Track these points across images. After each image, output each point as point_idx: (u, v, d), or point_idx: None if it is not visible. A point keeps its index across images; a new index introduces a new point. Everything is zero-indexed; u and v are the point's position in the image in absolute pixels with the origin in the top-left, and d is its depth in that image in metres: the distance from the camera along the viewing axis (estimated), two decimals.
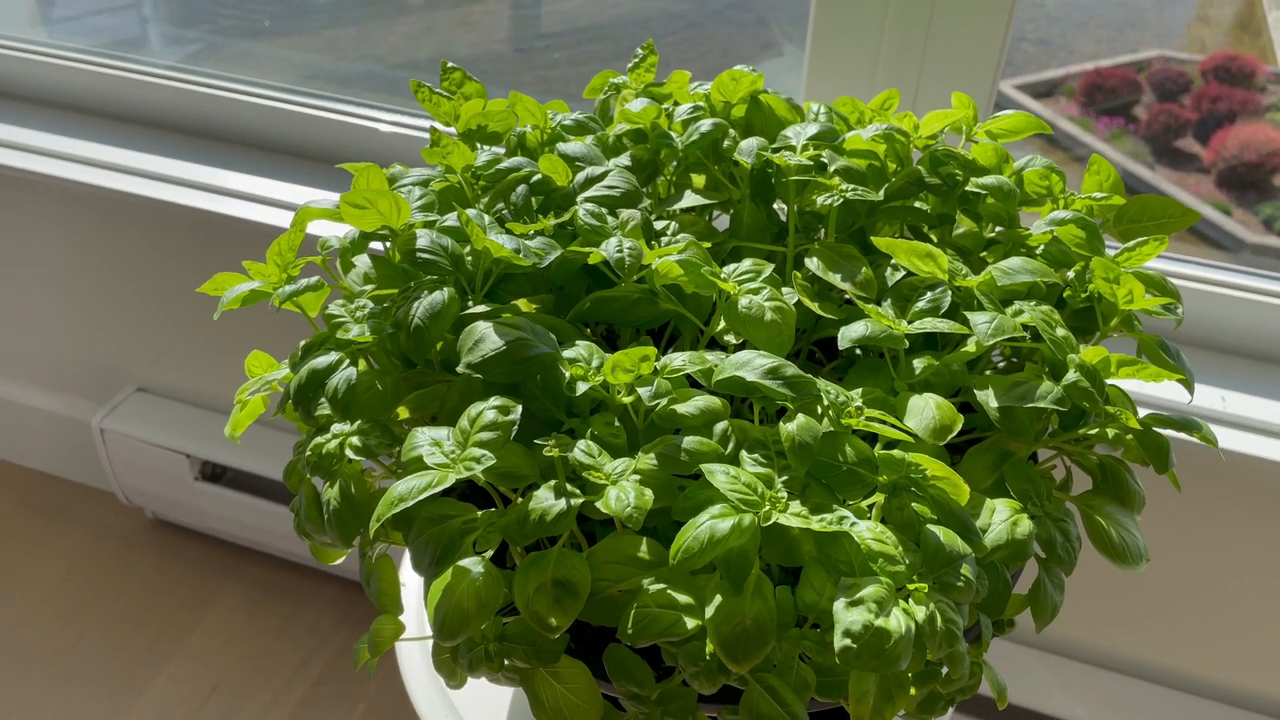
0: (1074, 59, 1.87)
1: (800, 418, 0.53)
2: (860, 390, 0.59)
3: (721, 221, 0.78)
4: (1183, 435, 0.61)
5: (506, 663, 0.55)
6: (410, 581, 0.84)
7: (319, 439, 0.57)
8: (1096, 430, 0.60)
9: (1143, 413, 0.63)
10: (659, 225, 0.70)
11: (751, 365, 0.55)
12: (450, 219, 0.62)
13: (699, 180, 0.78)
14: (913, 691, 0.54)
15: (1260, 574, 1.14)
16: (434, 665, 0.58)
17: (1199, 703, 1.24)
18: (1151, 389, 1.02)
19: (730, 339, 0.66)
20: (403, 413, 0.60)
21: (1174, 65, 1.82)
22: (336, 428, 0.57)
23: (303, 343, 0.64)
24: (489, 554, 0.54)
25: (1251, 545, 1.12)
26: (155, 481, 1.64)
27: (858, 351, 0.69)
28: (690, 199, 0.73)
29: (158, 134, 1.45)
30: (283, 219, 1.27)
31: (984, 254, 0.74)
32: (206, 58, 1.73)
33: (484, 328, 0.56)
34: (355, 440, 0.56)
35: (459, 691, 0.82)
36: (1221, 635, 1.20)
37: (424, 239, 0.59)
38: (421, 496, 0.50)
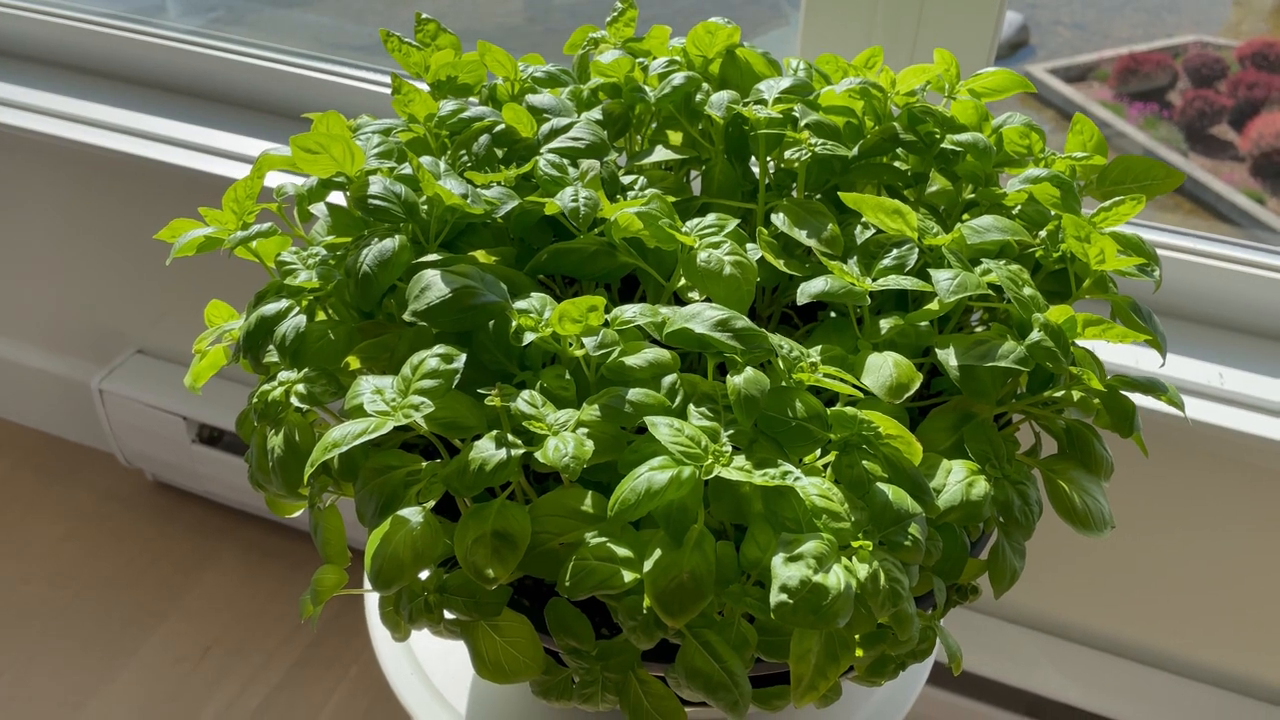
0: (1109, 43, 1.84)
1: (748, 371, 0.52)
2: (819, 347, 0.58)
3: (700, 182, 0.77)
4: (1150, 401, 0.59)
5: (448, 615, 0.54)
6: None
7: (265, 386, 0.57)
8: (1063, 393, 0.58)
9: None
10: (628, 180, 0.69)
11: (701, 317, 0.54)
12: (406, 167, 0.61)
13: (675, 137, 0.76)
14: (859, 653, 0.53)
15: (1262, 553, 1.11)
16: (380, 618, 0.58)
17: (1195, 686, 1.22)
18: (1150, 368, 1.00)
19: (695, 295, 0.64)
20: (353, 363, 0.59)
21: (1210, 51, 1.78)
22: (283, 375, 0.56)
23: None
24: (430, 505, 0.53)
25: (1252, 524, 1.10)
26: (154, 443, 1.65)
27: (833, 314, 0.67)
28: (660, 153, 0.71)
29: (170, 98, 1.44)
30: (295, 178, 1.26)
31: (965, 216, 0.72)
32: (230, 23, 1.72)
33: (431, 275, 0.54)
34: (301, 388, 0.56)
35: (428, 651, 0.82)
36: (1225, 617, 1.18)
37: (377, 186, 0.58)
38: (356, 442, 0.49)
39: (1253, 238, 1.55)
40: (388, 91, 1.31)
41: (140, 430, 1.64)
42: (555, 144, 0.66)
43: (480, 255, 0.63)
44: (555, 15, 1.87)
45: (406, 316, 0.54)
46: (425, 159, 0.60)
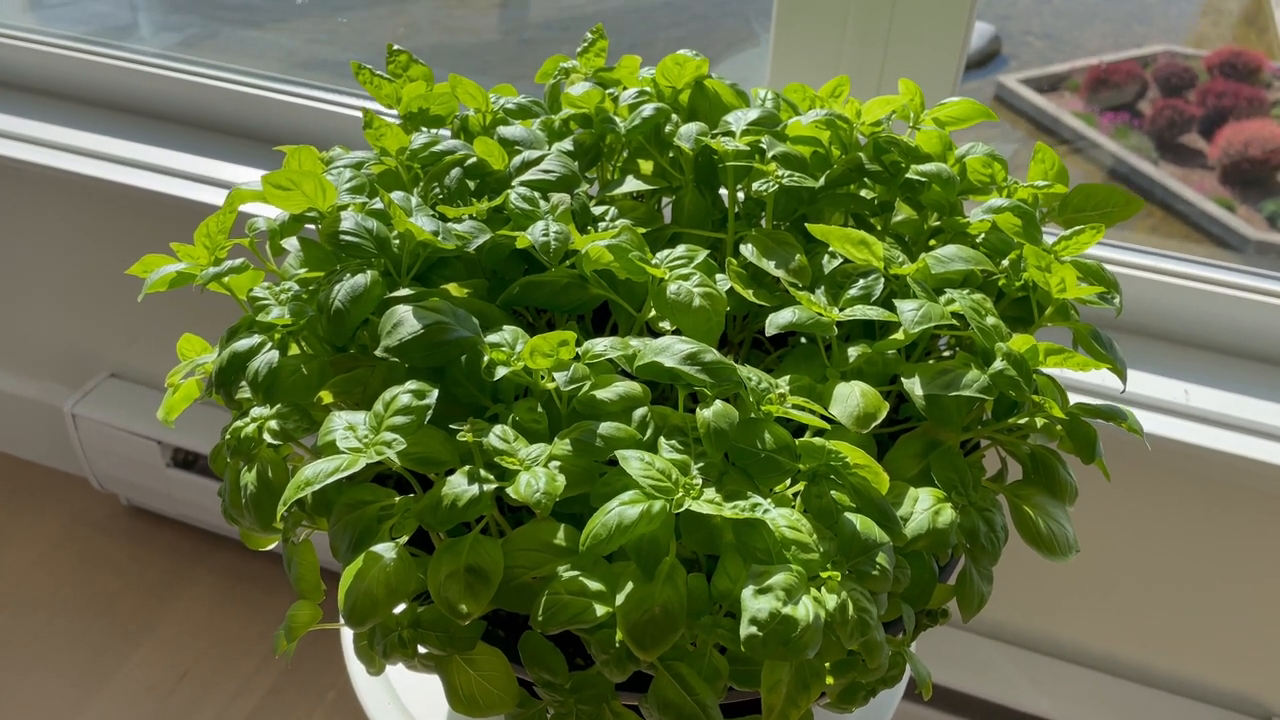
0: (1080, 53, 1.86)
1: (717, 404, 0.52)
2: (788, 378, 0.59)
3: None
4: (1112, 425, 0.60)
5: (422, 650, 0.55)
6: None
7: (239, 422, 0.57)
8: (1026, 420, 0.59)
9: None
10: (599, 211, 0.70)
11: (671, 351, 0.54)
12: (377, 202, 0.61)
13: (646, 167, 0.77)
14: (830, 681, 0.53)
15: (1227, 564, 1.13)
16: (355, 652, 0.58)
17: (1162, 696, 1.23)
18: (1114, 388, 1.02)
19: (666, 325, 0.65)
20: (326, 398, 0.60)
21: (1179, 60, 1.80)
22: (256, 411, 0.57)
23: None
24: (404, 540, 0.53)
25: (1217, 536, 1.12)
26: (127, 468, 1.63)
27: (802, 340, 0.68)
28: (631, 184, 0.72)
29: (143, 122, 1.43)
30: (267, 210, 1.26)
31: (931, 243, 0.73)
32: (200, 45, 1.71)
33: (403, 311, 0.55)
34: (273, 424, 0.56)
35: (405, 682, 0.82)
36: (1192, 628, 1.20)
37: (348, 221, 0.59)
38: (329, 480, 0.49)
39: (1224, 245, 1.57)
40: (362, 116, 1.31)
41: (114, 454, 1.62)
42: (527, 176, 0.66)
43: (452, 288, 0.63)
44: (529, 29, 1.87)
45: (379, 352, 0.54)
46: (396, 194, 0.60)
